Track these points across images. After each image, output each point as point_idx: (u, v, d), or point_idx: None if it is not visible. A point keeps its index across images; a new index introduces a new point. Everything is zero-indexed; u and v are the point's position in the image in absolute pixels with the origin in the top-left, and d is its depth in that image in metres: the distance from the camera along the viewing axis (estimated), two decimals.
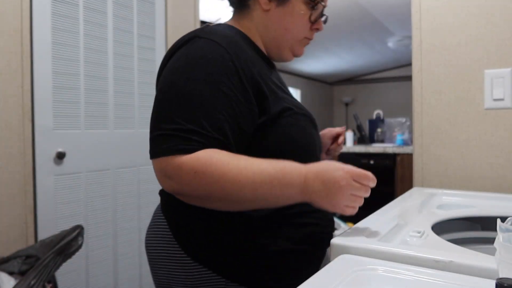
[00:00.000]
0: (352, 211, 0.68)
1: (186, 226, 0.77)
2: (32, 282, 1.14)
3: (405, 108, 5.49)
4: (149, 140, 0.71)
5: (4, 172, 1.49)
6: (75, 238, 1.32)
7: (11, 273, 1.24)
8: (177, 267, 0.76)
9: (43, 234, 1.59)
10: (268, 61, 0.89)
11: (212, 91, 0.70)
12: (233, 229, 0.75)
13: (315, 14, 0.87)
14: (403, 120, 4.22)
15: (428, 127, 1.41)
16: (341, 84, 6.39)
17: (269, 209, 0.76)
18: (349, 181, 0.66)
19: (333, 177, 0.66)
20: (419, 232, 0.73)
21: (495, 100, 1.29)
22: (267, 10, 0.85)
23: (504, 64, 1.28)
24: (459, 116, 1.36)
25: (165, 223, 0.79)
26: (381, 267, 0.57)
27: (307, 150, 0.83)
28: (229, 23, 0.89)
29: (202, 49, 0.73)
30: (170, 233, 0.77)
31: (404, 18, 3.63)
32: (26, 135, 1.57)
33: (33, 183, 1.60)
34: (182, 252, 0.75)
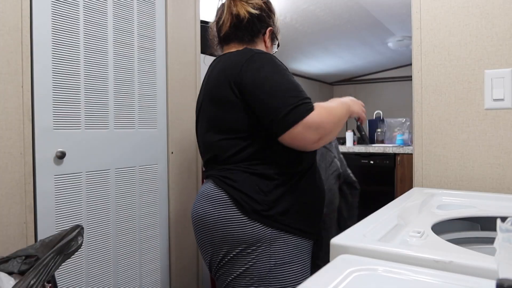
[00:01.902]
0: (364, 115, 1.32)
1: (243, 192, 1.10)
2: (32, 282, 1.14)
3: (405, 108, 5.49)
4: (282, 115, 1.03)
5: (4, 172, 1.49)
6: (75, 238, 1.32)
7: (10, 273, 1.24)
8: (234, 225, 1.08)
9: (43, 234, 1.59)
10: None
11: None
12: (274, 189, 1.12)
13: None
14: (403, 120, 4.21)
15: (428, 127, 1.41)
16: (341, 84, 6.39)
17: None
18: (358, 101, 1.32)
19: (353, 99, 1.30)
20: (419, 232, 0.73)
21: (495, 100, 1.29)
22: (266, 48, 1.35)
23: (504, 64, 1.28)
24: (459, 116, 1.36)
25: (222, 196, 1.12)
26: (381, 267, 0.56)
27: None
28: (249, 47, 1.27)
29: (270, 57, 1.14)
30: (228, 201, 1.10)
31: (404, 18, 3.62)
32: (26, 135, 1.56)
33: (33, 183, 1.60)
34: (240, 213, 1.09)
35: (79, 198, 1.77)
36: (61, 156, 1.68)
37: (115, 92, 1.92)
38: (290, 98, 1.03)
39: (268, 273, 1.09)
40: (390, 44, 4.57)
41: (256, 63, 1.09)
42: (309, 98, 1.06)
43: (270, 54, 1.16)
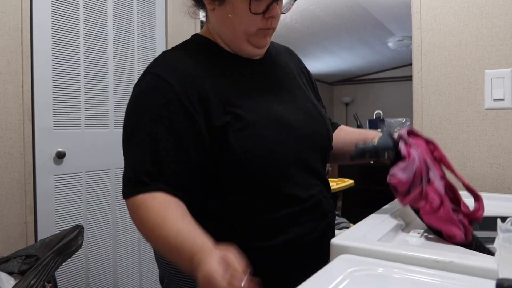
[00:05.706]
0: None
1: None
2: (32, 282, 1.14)
3: (405, 108, 5.48)
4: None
5: (4, 172, 1.49)
6: (75, 238, 1.32)
7: (11, 273, 1.24)
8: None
9: (43, 234, 1.59)
10: (240, 58, 0.87)
11: (153, 131, 0.75)
12: (233, 232, 0.80)
13: (256, 6, 0.78)
14: (403, 120, 4.21)
15: (428, 127, 1.41)
16: (341, 84, 6.39)
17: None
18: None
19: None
20: (419, 232, 0.73)
21: (495, 100, 1.29)
22: (213, 10, 0.83)
23: (504, 64, 1.28)
24: (459, 116, 1.36)
25: None
26: (381, 267, 0.56)
27: (269, 158, 0.80)
28: (202, 30, 0.90)
29: (145, 87, 0.79)
30: None
31: (404, 18, 3.62)
32: (26, 135, 1.56)
33: (33, 183, 1.60)
34: None
35: (79, 198, 1.77)
36: (61, 156, 1.68)
37: (115, 92, 1.92)
38: (129, 164, 0.78)
39: None
40: (390, 44, 4.57)
41: (133, 90, 0.82)
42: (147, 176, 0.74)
43: (155, 78, 0.79)
